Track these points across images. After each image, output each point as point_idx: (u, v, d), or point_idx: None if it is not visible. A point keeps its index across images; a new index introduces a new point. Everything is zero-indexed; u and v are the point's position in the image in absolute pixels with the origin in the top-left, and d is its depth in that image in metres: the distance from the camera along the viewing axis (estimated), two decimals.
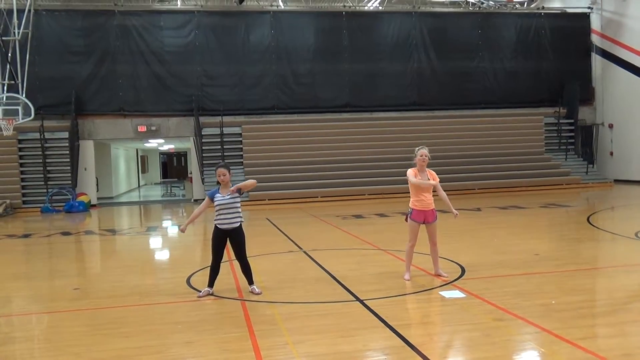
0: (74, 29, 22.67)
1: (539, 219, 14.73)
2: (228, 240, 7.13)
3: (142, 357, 5.16)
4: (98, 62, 22.65)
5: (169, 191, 30.86)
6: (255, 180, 7.21)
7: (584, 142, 26.03)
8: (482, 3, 25.96)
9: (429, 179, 7.50)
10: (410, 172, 7.47)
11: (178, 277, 8.39)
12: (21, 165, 21.78)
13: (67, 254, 12.00)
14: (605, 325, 5.74)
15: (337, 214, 16.53)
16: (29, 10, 19.50)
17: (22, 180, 21.59)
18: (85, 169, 22.57)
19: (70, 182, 21.36)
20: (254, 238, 11.99)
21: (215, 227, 7.12)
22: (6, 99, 18.76)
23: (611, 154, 25.32)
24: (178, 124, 23.38)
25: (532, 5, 27.99)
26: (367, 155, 22.98)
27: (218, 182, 7.20)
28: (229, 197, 7.00)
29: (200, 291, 7.21)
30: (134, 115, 22.98)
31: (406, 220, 7.63)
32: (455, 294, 6.81)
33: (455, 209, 7.73)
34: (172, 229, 15.97)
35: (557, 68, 25.80)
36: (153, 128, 23.09)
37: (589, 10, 26.09)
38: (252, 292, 7.15)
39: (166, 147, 39.35)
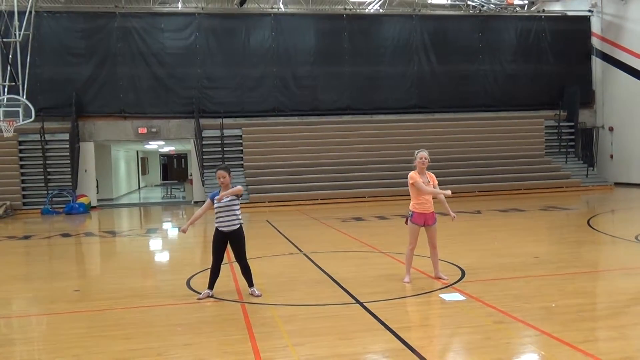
0: (75, 31, 22.70)
1: (539, 221, 14.73)
2: (228, 242, 7.14)
3: (142, 359, 5.15)
4: (99, 64, 22.68)
5: (169, 193, 30.86)
6: (240, 187, 7.11)
7: (584, 145, 26.02)
8: (483, 6, 25.99)
9: (429, 182, 7.51)
10: (414, 176, 7.46)
11: (178, 279, 8.39)
12: (21, 166, 21.78)
13: (67, 256, 12.00)
14: (605, 328, 5.73)
15: (337, 216, 16.53)
16: (30, 12, 19.52)
17: (23, 181, 21.59)
18: (86, 171, 22.58)
19: (70, 183, 21.37)
20: (254, 240, 11.98)
21: (216, 229, 7.12)
22: (7, 101, 18.77)
23: (611, 156, 25.32)
24: (178, 126, 23.40)
25: (532, 8, 28.04)
26: (367, 158, 22.98)
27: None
28: (226, 199, 7.00)
29: (200, 293, 7.21)
30: (134, 117, 22.99)
31: (406, 223, 7.63)
32: (455, 296, 6.81)
33: (455, 212, 7.73)
34: (172, 231, 15.97)
35: (558, 71, 25.81)
36: (153, 130, 23.11)
37: (589, 14, 26.11)
38: (252, 294, 7.14)
39: (166, 149, 39.38)
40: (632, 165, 24.02)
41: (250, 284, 7.23)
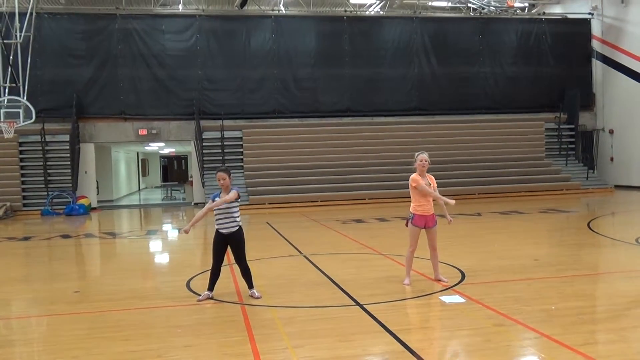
0: (75, 32, 22.73)
1: (539, 224, 14.71)
2: (228, 244, 7.14)
3: None
4: (99, 66, 22.70)
5: (169, 194, 30.87)
6: (235, 192, 7.01)
7: (584, 148, 26.02)
8: (483, 8, 26.00)
9: (429, 184, 7.51)
10: (416, 178, 7.45)
11: (178, 280, 8.38)
12: (22, 167, 21.79)
13: (67, 257, 11.99)
14: (605, 331, 5.72)
15: (337, 218, 16.52)
16: (31, 14, 19.55)
17: (23, 182, 21.60)
18: (86, 172, 22.58)
19: (70, 185, 21.37)
20: (254, 242, 11.98)
21: (216, 230, 7.13)
22: (7, 102, 18.79)
23: (611, 159, 25.32)
24: (179, 127, 23.41)
25: (532, 11, 28.07)
26: (367, 160, 22.98)
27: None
28: (227, 196, 7.00)
29: (200, 295, 7.20)
30: (134, 118, 23.01)
31: (407, 225, 7.63)
32: (455, 299, 6.80)
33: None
34: (172, 233, 15.97)
35: (558, 73, 25.82)
36: (154, 131, 23.12)
37: (589, 16, 26.13)
38: (251, 296, 7.14)
39: (167, 151, 39.40)
40: (632, 168, 24.01)
41: (250, 286, 7.23)
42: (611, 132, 25.41)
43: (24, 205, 21.03)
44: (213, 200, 7.08)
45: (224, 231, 7.07)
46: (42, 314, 7.02)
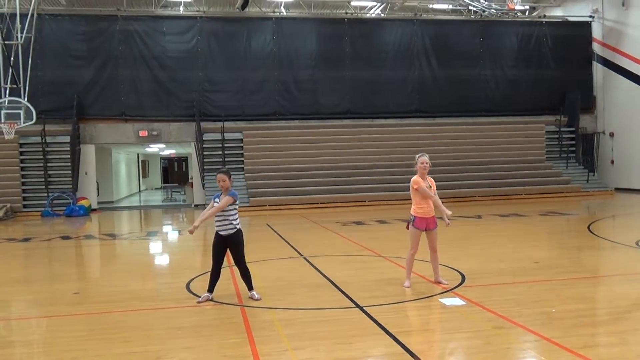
0: (76, 34, 22.75)
1: (539, 226, 14.70)
2: (227, 246, 7.14)
3: None
4: (100, 67, 22.71)
5: (169, 196, 30.83)
6: (228, 198, 6.97)
7: (584, 151, 26.02)
8: (484, 11, 26.02)
9: (430, 187, 7.51)
10: (418, 181, 7.45)
11: (178, 282, 8.38)
12: (22, 169, 21.80)
13: (67, 258, 11.98)
14: (605, 333, 5.72)
15: (337, 220, 16.52)
16: (32, 15, 19.56)
17: (23, 184, 21.59)
18: (86, 173, 22.58)
19: (71, 186, 21.37)
20: (254, 243, 11.99)
21: (215, 232, 7.13)
22: (8, 103, 18.79)
23: (612, 162, 25.32)
24: (179, 129, 23.41)
25: (533, 14, 28.07)
26: (368, 162, 22.97)
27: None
28: (220, 203, 6.99)
29: (200, 296, 7.20)
30: (135, 120, 23.01)
31: (408, 227, 7.62)
32: (456, 301, 6.80)
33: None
34: (172, 234, 15.97)
35: (559, 76, 25.82)
36: (154, 133, 23.12)
37: (590, 19, 26.14)
38: (251, 297, 7.13)
39: (167, 152, 39.39)
40: (633, 171, 24.01)
41: (250, 288, 7.22)
42: (612, 134, 25.41)
43: (24, 206, 21.02)
44: (214, 200, 7.10)
45: (222, 233, 7.08)
46: (42, 315, 7.01)
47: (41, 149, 21.63)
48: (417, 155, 7.56)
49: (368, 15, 26.98)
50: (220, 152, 22.87)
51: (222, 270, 7.25)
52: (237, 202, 7.11)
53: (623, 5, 24.43)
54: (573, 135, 25.55)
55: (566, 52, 25.94)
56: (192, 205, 23.59)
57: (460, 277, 8.08)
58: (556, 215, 16.63)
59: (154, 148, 32.02)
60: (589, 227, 13.62)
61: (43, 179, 21.52)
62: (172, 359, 5.23)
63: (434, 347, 5.41)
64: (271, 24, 24.21)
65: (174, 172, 46.73)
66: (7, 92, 19.20)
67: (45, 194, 21.17)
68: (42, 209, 20.69)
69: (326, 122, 24.19)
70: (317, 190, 21.49)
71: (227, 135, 23.06)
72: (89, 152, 22.67)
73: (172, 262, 11.48)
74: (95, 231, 16.89)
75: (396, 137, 23.73)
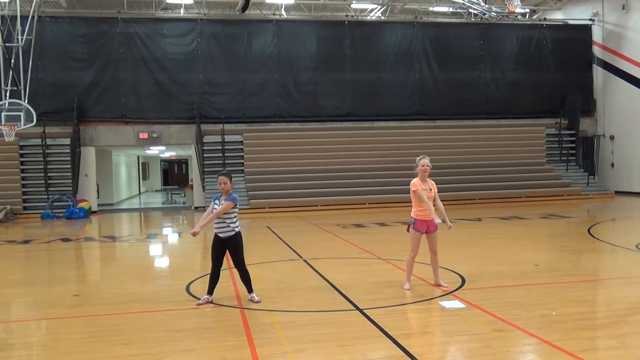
0: (77, 36, 22.78)
1: (539, 229, 14.71)
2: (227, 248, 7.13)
3: None
4: (101, 69, 22.74)
5: (169, 198, 30.86)
6: (227, 203, 6.96)
7: (585, 153, 26.02)
8: (484, 14, 26.04)
9: (430, 189, 7.51)
10: (416, 183, 7.45)
11: (177, 284, 8.37)
12: (22, 171, 21.82)
13: (67, 261, 11.98)
14: (605, 337, 5.71)
15: (337, 222, 16.51)
16: (33, 17, 19.59)
17: (23, 186, 21.62)
18: (86, 176, 22.59)
19: (71, 188, 21.38)
20: (254, 246, 11.99)
21: (214, 234, 7.13)
22: (9, 105, 18.82)
23: (612, 165, 25.32)
24: (179, 131, 23.42)
25: (533, 17, 28.11)
26: (368, 165, 22.99)
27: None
28: (220, 207, 6.99)
29: (200, 299, 7.19)
30: (135, 122, 23.03)
31: (408, 230, 7.62)
32: (455, 304, 6.79)
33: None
34: (172, 237, 15.96)
35: (559, 79, 25.85)
36: (154, 135, 23.13)
37: (590, 22, 26.18)
38: (251, 300, 7.13)
39: (167, 155, 39.43)
40: (633, 174, 24.02)
41: (250, 290, 7.22)
42: (612, 138, 25.42)
43: (25, 208, 21.04)
44: (214, 202, 7.09)
45: (220, 235, 7.08)
46: (42, 318, 7.00)
47: (41, 151, 21.65)
48: (418, 158, 7.56)
49: (368, 18, 27.01)
50: (221, 155, 22.88)
51: (221, 272, 7.24)
52: (237, 206, 7.11)
53: (623, 8, 24.48)
54: (573, 138, 25.56)
55: (566, 55, 25.96)
56: (192, 208, 23.59)
57: (460, 279, 8.07)
58: (556, 218, 16.63)
59: (154, 150, 32.04)
60: (589, 230, 13.62)
61: (43, 181, 21.53)
62: None
63: (433, 350, 5.41)
64: (271, 27, 24.24)
65: (174, 175, 46.78)
66: (8, 94, 19.21)
67: (46, 196, 21.18)
68: (42, 211, 20.70)
69: (326, 125, 24.21)
70: (317, 193, 21.49)
71: (227, 138, 23.07)
72: (89, 154, 22.68)
73: (172, 264, 11.47)
74: (95, 233, 16.89)
75: (396, 140, 23.74)
